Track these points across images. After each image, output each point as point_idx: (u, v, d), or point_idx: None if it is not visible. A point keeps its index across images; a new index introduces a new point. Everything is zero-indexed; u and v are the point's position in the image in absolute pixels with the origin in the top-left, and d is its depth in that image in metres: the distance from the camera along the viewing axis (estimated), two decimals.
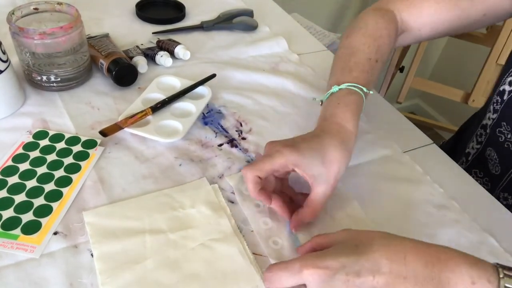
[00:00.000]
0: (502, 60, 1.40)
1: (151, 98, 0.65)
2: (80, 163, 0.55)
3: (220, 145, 0.61)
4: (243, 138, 0.63)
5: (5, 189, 0.51)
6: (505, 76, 0.65)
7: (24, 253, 0.45)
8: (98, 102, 0.65)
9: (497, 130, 0.67)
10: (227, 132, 0.63)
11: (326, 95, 0.57)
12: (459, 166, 0.63)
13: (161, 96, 0.65)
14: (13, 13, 0.62)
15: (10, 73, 0.60)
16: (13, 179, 0.52)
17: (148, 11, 0.88)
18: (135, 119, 0.60)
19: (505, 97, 0.64)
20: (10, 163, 0.54)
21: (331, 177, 0.48)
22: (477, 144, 0.73)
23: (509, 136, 0.64)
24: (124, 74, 0.67)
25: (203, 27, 0.86)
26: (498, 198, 0.62)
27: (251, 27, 0.88)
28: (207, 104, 0.67)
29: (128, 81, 0.69)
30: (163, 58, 0.74)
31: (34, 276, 0.43)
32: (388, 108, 0.73)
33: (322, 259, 0.39)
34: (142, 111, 0.61)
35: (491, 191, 0.65)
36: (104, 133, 0.58)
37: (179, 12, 0.90)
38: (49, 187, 0.52)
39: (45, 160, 0.55)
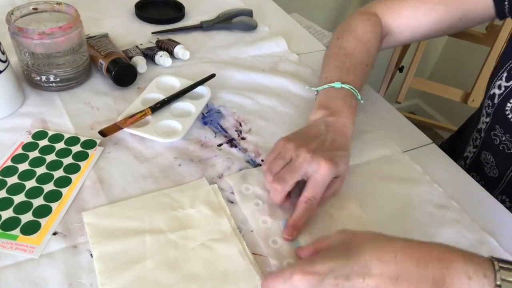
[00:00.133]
0: None
1: (151, 98, 0.65)
2: (80, 163, 0.55)
3: (220, 145, 0.61)
4: (243, 138, 0.63)
5: (5, 190, 0.50)
6: (495, 80, 0.65)
7: (23, 253, 0.45)
8: (98, 102, 0.65)
9: (491, 133, 0.67)
10: (226, 132, 0.63)
11: (323, 86, 0.58)
12: (458, 166, 0.63)
13: (160, 96, 0.65)
14: (12, 13, 0.62)
15: (9, 73, 0.60)
16: (12, 180, 0.52)
17: (147, 11, 0.88)
18: (134, 119, 0.60)
19: (496, 101, 0.64)
20: (9, 163, 0.54)
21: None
22: (474, 148, 0.73)
23: (503, 138, 0.64)
24: (123, 74, 0.67)
25: (202, 27, 0.86)
26: None
27: (251, 27, 0.88)
28: (207, 104, 0.67)
29: (128, 81, 0.69)
30: (162, 58, 0.74)
31: (33, 277, 0.43)
32: (387, 108, 0.73)
33: (312, 264, 0.39)
34: (141, 111, 0.61)
35: None
36: (103, 133, 0.58)
37: (179, 12, 0.90)
38: (49, 187, 0.52)
39: (45, 160, 0.55)
